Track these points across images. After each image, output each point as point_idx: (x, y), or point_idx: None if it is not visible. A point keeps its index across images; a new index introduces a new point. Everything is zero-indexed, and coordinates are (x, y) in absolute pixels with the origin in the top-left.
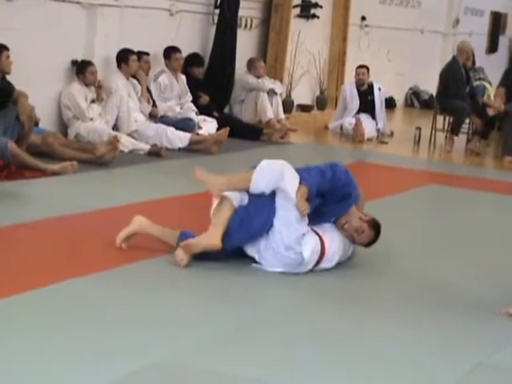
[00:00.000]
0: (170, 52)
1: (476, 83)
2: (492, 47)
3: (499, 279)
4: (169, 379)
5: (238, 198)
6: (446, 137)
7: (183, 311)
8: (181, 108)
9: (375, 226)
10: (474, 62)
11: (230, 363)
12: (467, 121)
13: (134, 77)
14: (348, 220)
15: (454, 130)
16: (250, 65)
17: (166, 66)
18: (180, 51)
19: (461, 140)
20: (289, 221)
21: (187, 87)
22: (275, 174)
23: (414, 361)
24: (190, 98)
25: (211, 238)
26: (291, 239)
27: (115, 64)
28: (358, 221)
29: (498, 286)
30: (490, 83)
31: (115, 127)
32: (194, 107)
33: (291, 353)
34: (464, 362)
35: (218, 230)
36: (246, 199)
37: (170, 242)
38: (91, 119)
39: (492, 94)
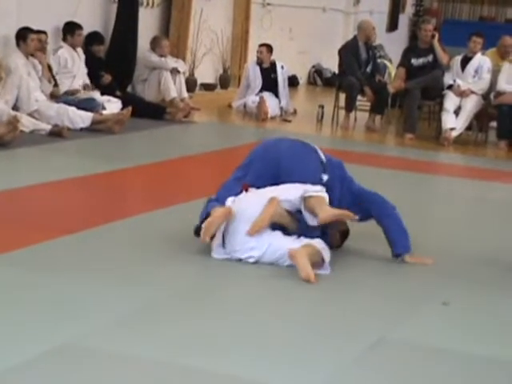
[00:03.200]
0: (72, 28)
1: (377, 61)
2: (392, 25)
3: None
4: (73, 362)
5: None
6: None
7: (90, 293)
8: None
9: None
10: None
11: (135, 345)
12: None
13: (33, 56)
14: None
15: (347, 106)
16: (155, 43)
17: (64, 41)
18: (82, 28)
19: (364, 118)
20: None
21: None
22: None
23: (315, 335)
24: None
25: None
26: None
27: (14, 42)
28: None
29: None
30: (390, 61)
31: (15, 107)
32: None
33: (199, 333)
34: (365, 336)
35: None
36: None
37: None
38: None
39: (393, 72)
